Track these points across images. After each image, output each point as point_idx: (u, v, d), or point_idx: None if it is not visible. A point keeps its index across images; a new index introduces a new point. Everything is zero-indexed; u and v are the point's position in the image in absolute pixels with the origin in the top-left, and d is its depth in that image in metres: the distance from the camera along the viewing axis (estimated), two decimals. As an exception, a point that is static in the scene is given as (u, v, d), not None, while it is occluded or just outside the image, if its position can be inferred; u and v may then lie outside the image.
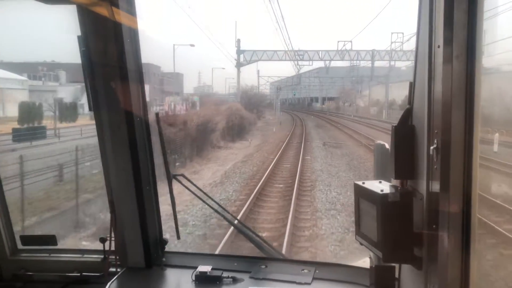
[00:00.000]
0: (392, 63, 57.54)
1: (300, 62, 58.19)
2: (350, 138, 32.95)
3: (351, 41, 62.92)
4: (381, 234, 1.64)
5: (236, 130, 34.99)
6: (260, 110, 62.27)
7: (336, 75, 76.11)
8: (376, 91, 71.51)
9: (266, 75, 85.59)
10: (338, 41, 71.07)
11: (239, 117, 36.78)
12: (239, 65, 56.79)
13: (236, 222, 3.33)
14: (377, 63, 59.84)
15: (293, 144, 29.45)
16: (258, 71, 77.46)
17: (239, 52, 55.66)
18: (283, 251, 8.37)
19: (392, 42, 52.83)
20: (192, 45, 46.90)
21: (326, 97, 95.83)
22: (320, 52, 56.35)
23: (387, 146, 1.91)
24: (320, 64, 62.03)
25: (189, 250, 9.30)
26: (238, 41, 55.36)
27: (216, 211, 2.94)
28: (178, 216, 2.86)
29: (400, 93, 51.97)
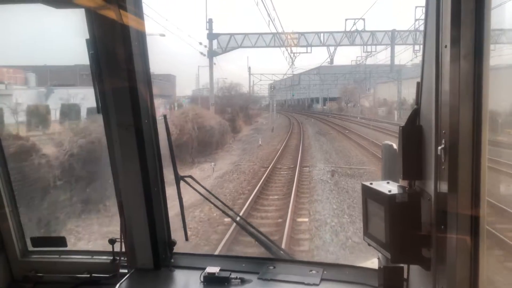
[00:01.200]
0: (417, 47, 39.00)
1: (295, 49, 41.16)
2: (368, 154, 21.51)
3: (363, 19, 41.78)
4: (389, 234, 1.64)
5: (196, 147, 23.35)
6: (250, 113, 52.35)
7: (340, 72, 65.96)
8: (383, 90, 64.70)
9: (259, 73, 72.60)
10: (346, 19, 43.51)
11: (201, 127, 24.68)
12: (211, 54, 39.41)
13: (244, 223, 3.34)
14: (383, 57, 48.03)
15: (281, 174, 17.37)
16: (249, 68, 63.88)
17: (211, 36, 38.99)
18: None
19: (416, 20, 36.87)
20: (162, 35, 32.38)
21: (328, 97, 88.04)
22: (322, 34, 39.74)
23: (395, 146, 1.91)
24: (321, 55, 50.81)
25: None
26: (210, 21, 38.77)
27: (224, 212, 2.95)
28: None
29: (411, 92, 45.47)
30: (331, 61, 43.42)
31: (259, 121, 53.63)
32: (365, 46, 41.70)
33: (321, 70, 69.50)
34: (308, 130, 39.62)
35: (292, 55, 43.11)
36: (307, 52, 40.66)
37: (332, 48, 41.17)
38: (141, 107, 2.45)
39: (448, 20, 1.44)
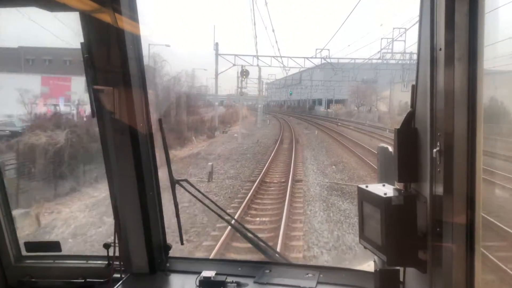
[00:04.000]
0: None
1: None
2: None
3: None
4: (385, 237, 1.64)
5: None
6: (205, 119, 34.53)
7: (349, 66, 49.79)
8: (399, 90, 45.80)
9: (230, 53, 40.04)
10: None
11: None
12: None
13: (239, 226, 3.34)
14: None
15: None
16: (216, 44, 38.54)
17: None
18: None
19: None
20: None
21: (333, 98, 71.57)
22: None
23: (390, 149, 1.91)
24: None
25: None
26: None
27: (219, 216, 2.94)
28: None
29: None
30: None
31: (230, 132, 34.44)
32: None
33: (326, 65, 49.84)
34: (308, 169, 18.53)
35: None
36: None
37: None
38: (136, 111, 2.45)
39: (442, 23, 1.44)
